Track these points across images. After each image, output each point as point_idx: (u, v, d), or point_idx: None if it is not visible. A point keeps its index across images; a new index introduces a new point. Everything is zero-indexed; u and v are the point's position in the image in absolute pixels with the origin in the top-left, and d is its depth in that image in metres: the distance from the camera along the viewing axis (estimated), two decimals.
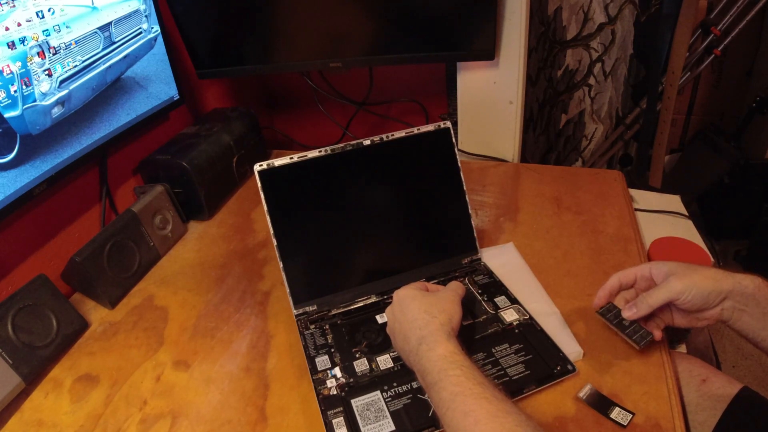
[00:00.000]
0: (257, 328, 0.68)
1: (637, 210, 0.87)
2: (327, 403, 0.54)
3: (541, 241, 0.78)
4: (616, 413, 0.51)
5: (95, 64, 0.75)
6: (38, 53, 0.66)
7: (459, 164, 0.69)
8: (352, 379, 0.56)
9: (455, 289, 0.58)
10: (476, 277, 0.69)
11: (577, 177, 0.93)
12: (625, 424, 0.50)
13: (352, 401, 0.54)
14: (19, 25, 0.63)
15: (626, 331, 0.56)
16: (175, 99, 0.95)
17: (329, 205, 0.65)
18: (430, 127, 0.67)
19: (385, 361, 0.58)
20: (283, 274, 0.63)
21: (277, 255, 0.63)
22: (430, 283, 0.61)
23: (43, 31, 0.66)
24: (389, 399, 0.53)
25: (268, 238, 0.70)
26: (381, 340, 0.60)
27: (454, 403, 0.43)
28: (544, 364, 0.56)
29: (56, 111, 0.70)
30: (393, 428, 0.50)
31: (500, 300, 0.65)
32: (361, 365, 0.58)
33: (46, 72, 0.67)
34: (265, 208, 0.62)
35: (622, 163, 1.61)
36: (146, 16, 0.85)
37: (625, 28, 1.37)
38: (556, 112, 1.52)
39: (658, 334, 0.56)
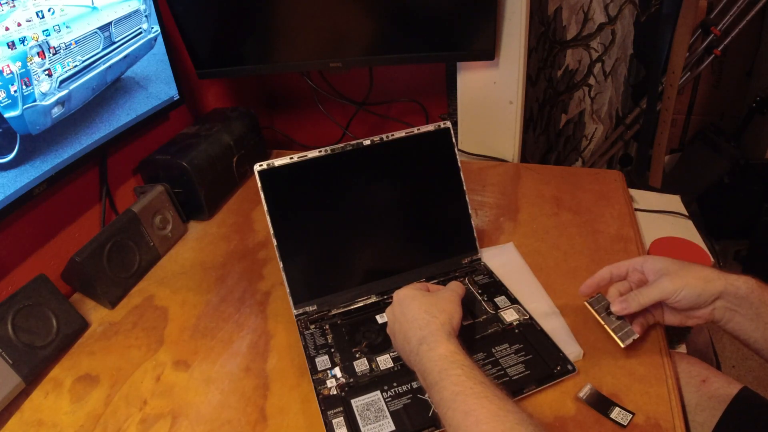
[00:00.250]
0: (257, 328, 0.68)
1: (637, 210, 0.87)
2: (327, 403, 0.54)
3: (541, 241, 0.78)
4: (616, 413, 0.51)
5: (95, 64, 0.75)
6: (38, 53, 0.66)
7: (459, 164, 0.69)
8: (352, 379, 0.56)
9: (455, 289, 0.58)
10: (476, 277, 0.69)
11: (577, 177, 0.93)
12: (625, 424, 0.50)
13: (352, 401, 0.54)
14: (19, 25, 0.63)
15: (613, 326, 0.56)
16: (175, 99, 0.95)
17: (329, 205, 0.65)
18: (430, 127, 0.67)
19: (385, 361, 0.58)
20: (283, 274, 0.63)
21: (277, 255, 0.63)
22: (430, 284, 0.61)
23: (43, 31, 0.66)
24: (389, 399, 0.53)
25: (268, 238, 0.70)
26: (381, 340, 0.60)
27: (455, 403, 0.43)
28: (544, 364, 0.56)
29: (56, 111, 0.70)
30: (393, 428, 0.50)
31: (500, 300, 0.65)
32: (361, 365, 0.58)
33: (46, 72, 0.67)
34: (265, 208, 0.62)
35: (622, 163, 1.61)
36: (146, 16, 0.85)
37: (625, 28, 1.37)
38: (556, 112, 1.52)
39: (638, 329, 0.56)
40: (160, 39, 0.89)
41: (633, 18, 1.36)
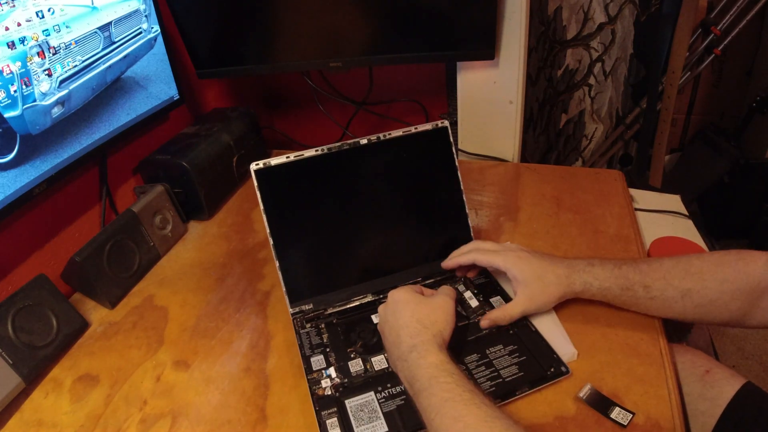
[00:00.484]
0: (257, 328, 0.68)
1: (637, 210, 0.87)
2: (321, 403, 0.54)
3: (541, 241, 0.78)
4: (616, 413, 0.51)
5: (95, 64, 0.75)
6: (38, 53, 0.66)
7: (456, 163, 0.69)
8: (346, 380, 0.56)
9: (449, 294, 0.58)
10: (472, 276, 0.69)
11: (577, 177, 0.93)
12: (625, 424, 0.50)
13: (346, 402, 0.54)
14: (19, 25, 0.63)
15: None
16: (175, 99, 0.95)
17: (326, 204, 0.65)
18: (428, 126, 0.67)
19: (379, 362, 0.58)
20: (279, 272, 0.63)
21: (273, 254, 0.63)
22: (425, 288, 0.62)
23: (43, 31, 0.66)
24: (383, 400, 0.53)
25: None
26: (376, 341, 0.60)
27: (444, 409, 0.43)
28: (537, 365, 0.56)
29: (56, 111, 0.70)
30: (386, 429, 0.50)
31: (495, 300, 0.64)
32: (355, 365, 0.58)
33: (46, 72, 0.67)
34: (262, 207, 0.62)
35: (622, 163, 1.61)
36: (146, 16, 0.85)
37: (625, 27, 1.37)
38: (556, 112, 1.52)
39: (484, 323, 0.60)
40: (160, 39, 0.89)
41: (633, 18, 1.36)
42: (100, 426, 0.57)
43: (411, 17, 0.89)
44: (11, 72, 0.62)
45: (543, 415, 0.52)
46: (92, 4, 0.74)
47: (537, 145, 1.55)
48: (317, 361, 0.59)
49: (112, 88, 0.80)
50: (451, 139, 0.68)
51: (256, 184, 0.62)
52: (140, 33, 0.84)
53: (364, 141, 0.65)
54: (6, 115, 0.63)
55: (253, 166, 0.62)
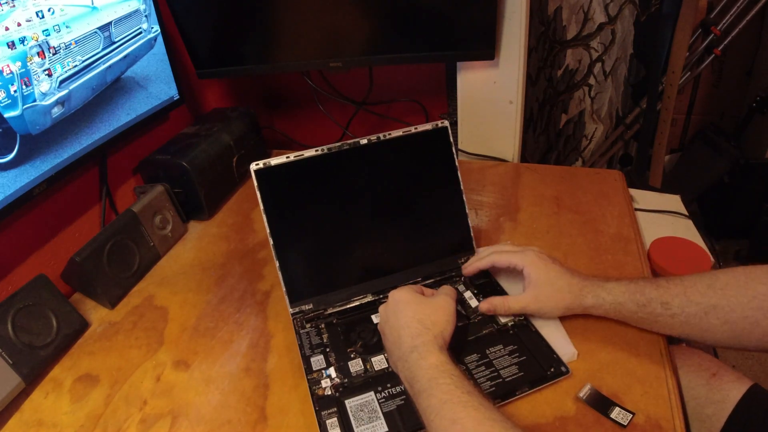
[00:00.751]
0: (257, 328, 0.68)
1: (637, 210, 0.87)
2: (321, 403, 0.54)
3: (541, 241, 0.78)
4: (616, 413, 0.51)
5: (95, 64, 0.75)
6: (38, 53, 0.66)
7: (456, 163, 0.69)
8: (346, 380, 0.56)
9: (449, 294, 0.58)
10: (472, 276, 0.69)
11: (577, 177, 0.93)
12: (625, 424, 0.50)
13: (346, 402, 0.54)
14: (19, 25, 0.63)
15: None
16: (175, 99, 0.95)
17: (326, 204, 0.65)
18: (428, 126, 0.67)
19: (379, 362, 0.58)
20: (279, 272, 0.63)
21: (273, 254, 0.63)
22: (425, 288, 0.61)
23: (43, 31, 0.66)
24: (383, 400, 0.53)
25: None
26: (376, 341, 0.60)
27: (442, 411, 0.44)
28: (537, 365, 0.56)
29: (56, 111, 0.70)
30: (386, 429, 0.50)
31: None
32: (355, 365, 0.58)
33: (46, 72, 0.67)
34: (262, 207, 0.62)
35: (622, 163, 1.61)
36: (146, 16, 0.85)
37: (625, 27, 1.37)
38: (556, 112, 1.52)
39: (483, 306, 0.62)
40: (160, 39, 0.89)
41: (633, 18, 1.36)
42: (100, 426, 0.57)
43: (411, 17, 0.89)
44: (11, 72, 0.62)
45: (543, 415, 0.52)
46: (92, 4, 0.74)
47: (537, 145, 1.55)
48: (317, 361, 0.59)
49: (112, 88, 0.80)
50: (451, 139, 0.68)
51: (256, 184, 0.62)
52: (140, 33, 0.84)
53: (364, 141, 0.65)
54: (6, 115, 0.63)
55: (253, 166, 0.62)
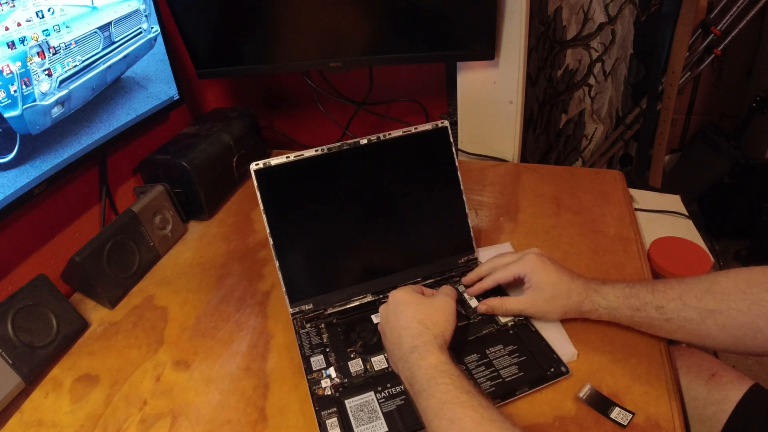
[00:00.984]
0: (257, 328, 0.68)
1: (637, 210, 0.87)
2: (321, 404, 0.54)
3: (541, 241, 0.78)
4: (616, 413, 0.51)
5: (95, 64, 0.75)
6: (38, 53, 0.66)
7: (456, 163, 0.69)
8: (346, 380, 0.56)
9: (449, 294, 0.58)
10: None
11: (577, 177, 0.93)
12: (625, 424, 0.50)
13: (346, 402, 0.54)
14: (19, 25, 0.63)
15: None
16: (175, 99, 0.95)
17: (326, 204, 0.65)
18: (428, 126, 0.67)
19: (379, 362, 0.58)
20: (279, 272, 0.63)
21: (273, 254, 0.63)
22: (425, 288, 0.61)
23: (42, 31, 0.66)
24: (383, 400, 0.53)
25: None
26: (376, 341, 0.60)
27: (441, 411, 0.44)
28: (537, 365, 0.56)
29: (56, 111, 0.70)
30: (386, 429, 0.50)
31: None
32: (355, 365, 0.58)
33: (46, 72, 0.67)
34: (262, 207, 0.62)
35: (622, 163, 1.61)
36: (146, 16, 0.85)
37: (625, 27, 1.37)
38: (556, 112, 1.52)
39: (482, 308, 0.62)
40: (160, 39, 0.89)
41: (633, 18, 1.36)
42: (100, 426, 0.57)
43: (411, 17, 0.89)
44: (11, 72, 0.62)
45: (543, 415, 0.52)
46: (92, 4, 0.74)
47: (537, 145, 1.55)
48: (317, 361, 0.59)
49: (112, 88, 0.80)
50: (451, 139, 0.68)
51: (256, 184, 0.62)
52: (140, 33, 0.84)
53: (364, 141, 0.65)
54: (6, 115, 0.63)
55: (253, 166, 0.62)
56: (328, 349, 0.60)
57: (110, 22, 0.77)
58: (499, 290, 0.66)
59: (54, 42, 0.68)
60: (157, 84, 0.90)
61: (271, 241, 0.63)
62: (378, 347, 0.60)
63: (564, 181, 0.92)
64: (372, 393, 0.54)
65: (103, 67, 0.77)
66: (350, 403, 0.53)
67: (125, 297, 0.76)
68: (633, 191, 0.94)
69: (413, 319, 0.53)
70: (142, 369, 0.64)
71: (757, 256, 1.51)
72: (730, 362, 1.33)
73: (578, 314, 0.59)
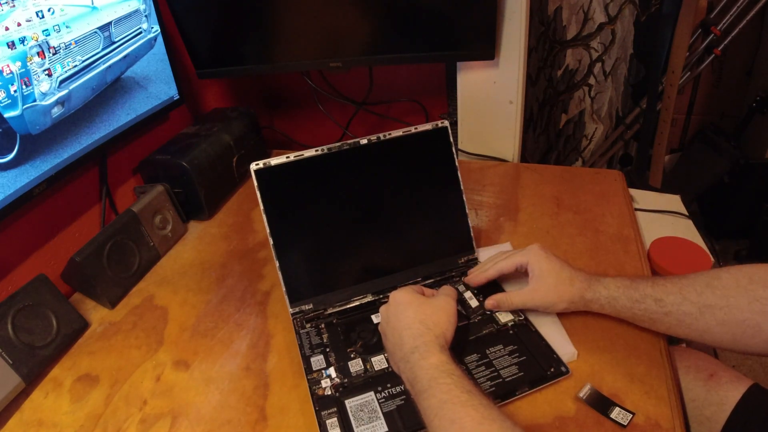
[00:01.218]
0: (257, 328, 0.68)
1: (637, 210, 0.87)
2: (321, 404, 0.54)
3: (540, 241, 0.77)
4: (616, 413, 0.51)
5: (95, 64, 0.76)
6: (38, 53, 0.66)
7: (456, 163, 0.69)
8: (346, 380, 0.56)
9: (450, 294, 0.58)
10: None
11: (577, 177, 0.93)
12: (625, 424, 0.50)
13: (346, 402, 0.54)
14: (18, 25, 0.63)
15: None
16: (175, 99, 0.95)
17: (326, 204, 0.65)
18: (428, 126, 0.67)
19: (379, 362, 0.58)
20: (279, 272, 0.63)
21: (273, 254, 0.63)
22: (426, 288, 0.61)
23: (42, 31, 0.66)
24: (383, 400, 0.53)
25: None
26: (376, 341, 0.60)
27: (442, 411, 0.44)
28: (537, 365, 0.56)
29: (56, 111, 0.70)
30: (386, 429, 0.50)
31: None
32: (355, 365, 0.58)
33: (46, 72, 0.67)
34: (262, 207, 0.62)
35: (622, 163, 1.61)
36: (146, 16, 0.85)
37: (625, 27, 1.37)
38: (556, 112, 1.52)
39: (489, 303, 0.62)
40: (160, 39, 0.89)
41: (633, 18, 1.36)
42: (100, 426, 0.57)
43: (411, 17, 0.89)
44: (11, 72, 0.62)
45: (543, 415, 0.52)
46: (92, 4, 0.74)
47: (537, 145, 1.55)
48: (317, 361, 0.59)
49: (112, 88, 0.80)
50: (451, 139, 0.68)
51: (256, 184, 0.62)
52: (140, 33, 0.84)
53: (364, 141, 0.65)
54: (6, 115, 0.63)
55: (253, 166, 0.62)
56: (328, 349, 0.60)
57: (110, 22, 0.77)
58: (499, 289, 0.66)
59: (54, 42, 0.68)
60: (157, 84, 0.90)
61: (271, 241, 0.63)
62: (378, 347, 0.60)
63: (564, 181, 0.92)
64: (372, 393, 0.54)
65: (103, 67, 0.77)
66: (350, 403, 0.53)
67: (125, 297, 0.76)
68: (633, 191, 0.94)
69: (414, 320, 0.53)
70: (142, 369, 0.64)
71: (757, 256, 1.51)
72: (731, 362, 1.33)
73: (582, 304, 0.58)
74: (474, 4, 0.85)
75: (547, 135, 1.55)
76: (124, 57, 0.81)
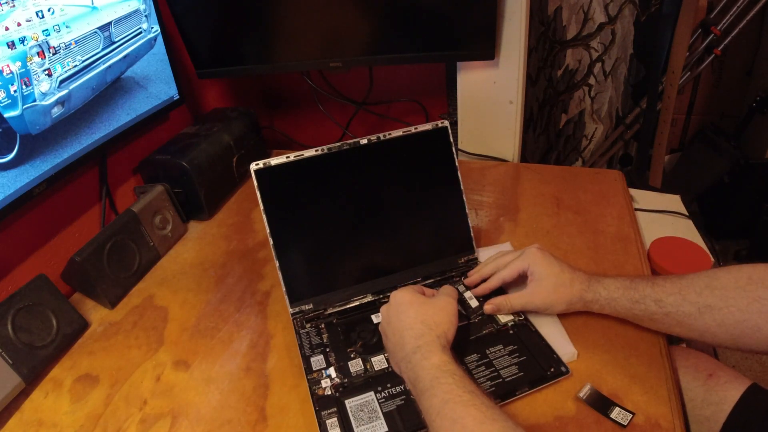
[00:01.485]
0: (257, 328, 0.68)
1: (637, 210, 0.87)
2: (321, 404, 0.54)
3: (541, 241, 0.78)
4: (616, 413, 0.51)
5: (95, 64, 0.76)
6: (38, 53, 0.66)
7: (456, 163, 0.69)
8: (346, 380, 0.56)
9: (450, 294, 0.58)
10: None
11: (577, 177, 0.93)
12: (625, 424, 0.50)
13: (346, 402, 0.54)
14: (19, 24, 0.63)
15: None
16: (175, 99, 0.95)
17: (326, 204, 0.65)
18: (428, 126, 0.67)
19: (379, 362, 0.58)
20: (279, 272, 0.63)
21: (273, 253, 0.63)
22: (426, 288, 0.61)
23: (42, 31, 0.66)
24: (383, 400, 0.53)
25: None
26: (376, 341, 0.60)
27: (443, 410, 0.44)
28: (537, 365, 0.56)
29: (56, 111, 0.70)
30: (386, 429, 0.50)
31: None
32: (355, 365, 0.58)
33: (46, 72, 0.67)
34: (262, 207, 0.62)
35: (622, 163, 1.61)
36: (146, 16, 0.85)
37: (625, 27, 1.37)
38: (556, 112, 1.52)
39: (488, 308, 0.62)
40: (160, 39, 0.89)
41: (633, 18, 1.36)
42: (100, 426, 0.57)
43: (411, 17, 0.89)
44: (11, 72, 0.62)
45: (543, 415, 0.52)
46: (92, 4, 0.74)
47: (537, 145, 1.55)
48: (317, 361, 0.59)
49: (112, 88, 0.80)
50: (451, 139, 0.68)
51: (256, 184, 0.62)
52: (140, 33, 0.84)
53: (364, 141, 0.65)
54: (6, 115, 0.63)
55: (253, 166, 0.62)
56: (328, 349, 0.60)
57: (110, 22, 0.77)
58: (500, 290, 0.66)
59: (54, 42, 0.68)
60: (157, 84, 0.90)
61: (271, 241, 0.63)
62: (378, 347, 0.60)
63: (564, 181, 0.92)
64: (372, 393, 0.54)
65: (103, 67, 0.77)
66: (350, 403, 0.53)
67: (125, 297, 0.76)
68: (633, 191, 0.94)
69: (416, 320, 0.53)
70: (142, 369, 0.64)
71: (757, 256, 1.51)
72: (730, 362, 1.33)
73: (581, 305, 0.58)
74: (474, 4, 0.85)
75: (547, 135, 1.55)
76: (124, 57, 0.81)
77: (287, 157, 0.63)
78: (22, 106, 0.64)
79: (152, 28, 0.87)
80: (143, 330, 0.70)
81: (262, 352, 0.64)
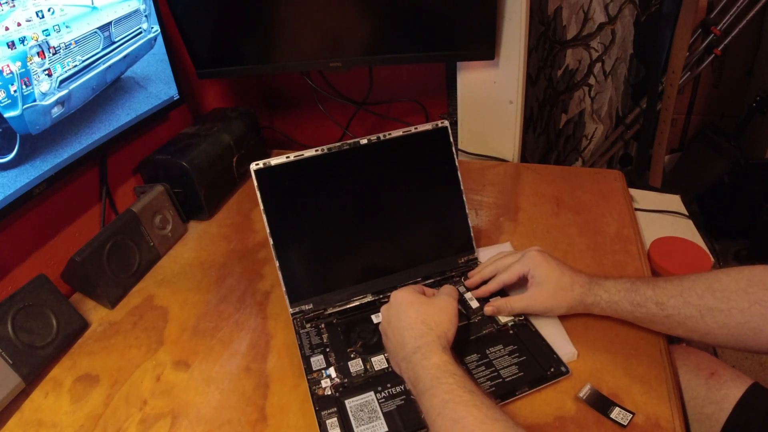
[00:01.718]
0: (257, 328, 0.68)
1: (637, 210, 0.87)
2: (321, 404, 0.54)
3: (541, 241, 0.78)
4: (616, 413, 0.51)
5: (95, 64, 0.76)
6: (38, 53, 0.66)
7: (456, 163, 0.69)
8: (346, 380, 0.56)
9: (451, 294, 0.58)
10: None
11: (577, 177, 0.93)
12: (625, 424, 0.50)
13: (346, 402, 0.54)
14: (18, 24, 0.63)
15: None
16: (175, 99, 0.95)
17: (326, 204, 0.65)
18: (428, 126, 0.67)
19: (379, 362, 0.58)
20: (279, 272, 0.63)
21: (273, 254, 0.63)
22: (426, 288, 0.61)
23: (42, 31, 0.66)
24: (383, 400, 0.53)
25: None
26: (376, 341, 0.60)
27: (444, 410, 0.44)
28: (537, 365, 0.56)
29: (56, 111, 0.70)
30: (386, 429, 0.50)
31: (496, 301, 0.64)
32: (355, 365, 0.58)
33: (46, 72, 0.67)
34: (262, 207, 0.62)
35: (622, 163, 1.61)
36: (146, 16, 0.85)
37: (625, 27, 1.38)
38: (556, 112, 1.52)
39: (488, 310, 0.62)
40: (160, 39, 0.89)
41: (633, 18, 1.36)
42: (100, 426, 0.57)
43: (411, 17, 0.89)
44: (11, 72, 0.62)
45: (543, 415, 0.52)
46: (92, 4, 0.74)
47: (537, 145, 1.55)
48: (317, 361, 0.59)
49: (112, 88, 0.80)
50: (451, 139, 0.68)
51: (256, 184, 0.62)
52: (140, 33, 0.84)
53: (364, 141, 0.65)
54: (6, 115, 0.63)
55: (253, 166, 0.62)
56: (328, 349, 0.60)
57: (110, 22, 0.77)
58: (500, 290, 0.66)
59: (54, 42, 0.68)
60: (157, 84, 0.90)
61: (271, 241, 0.63)
62: (378, 347, 0.60)
63: (564, 181, 0.92)
64: (372, 393, 0.54)
65: (103, 67, 0.77)
66: (350, 403, 0.53)
67: (125, 297, 0.76)
68: (633, 191, 0.94)
69: (416, 320, 0.53)
70: (142, 369, 0.64)
71: (757, 256, 1.51)
72: (730, 362, 1.33)
73: (582, 308, 0.58)
74: (474, 4, 0.85)
75: (547, 135, 1.55)
76: (124, 57, 0.81)
77: (287, 157, 0.63)
78: (22, 106, 0.64)
79: (152, 28, 0.87)
80: (143, 330, 0.70)
81: (262, 352, 0.64)
